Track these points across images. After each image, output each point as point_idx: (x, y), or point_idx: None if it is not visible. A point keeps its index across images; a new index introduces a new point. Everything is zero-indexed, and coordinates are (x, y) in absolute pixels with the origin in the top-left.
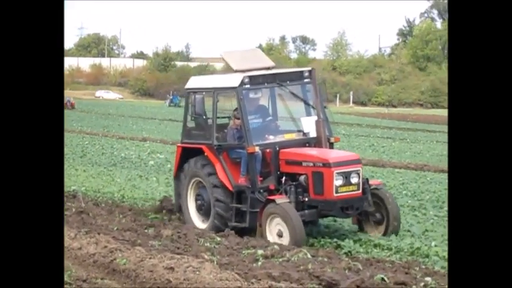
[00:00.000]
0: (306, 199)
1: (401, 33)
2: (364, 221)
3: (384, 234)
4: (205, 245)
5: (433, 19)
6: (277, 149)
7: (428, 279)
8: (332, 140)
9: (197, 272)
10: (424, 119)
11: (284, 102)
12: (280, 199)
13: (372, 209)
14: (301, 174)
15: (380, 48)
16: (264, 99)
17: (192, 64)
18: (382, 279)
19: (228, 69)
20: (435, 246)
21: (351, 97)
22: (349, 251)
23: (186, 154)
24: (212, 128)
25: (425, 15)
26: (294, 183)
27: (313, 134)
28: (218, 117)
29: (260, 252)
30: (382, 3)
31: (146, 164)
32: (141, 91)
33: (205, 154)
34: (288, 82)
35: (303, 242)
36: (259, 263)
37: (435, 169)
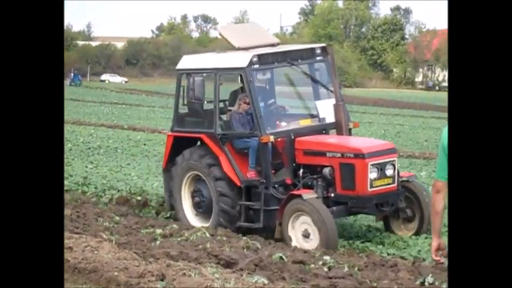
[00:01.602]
0: (332, 195)
1: (303, 12)
2: (392, 218)
3: (416, 234)
4: (104, 224)
5: None
6: (293, 137)
7: (327, 257)
8: (351, 125)
9: (95, 252)
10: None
11: (291, 83)
12: (307, 194)
13: (403, 205)
14: (325, 166)
15: (282, 27)
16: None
17: (94, 43)
18: (281, 258)
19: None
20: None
21: None
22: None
23: (179, 144)
24: (214, 115)
25: None
26: (315, 176)
27: (329, 119)
28: (197, 102)
29: (159, 231)
30: None
31: None
32: None
33: (206, 144)
34: (299, 61)
35: (336, 245)
36: (158, 242)
37: None
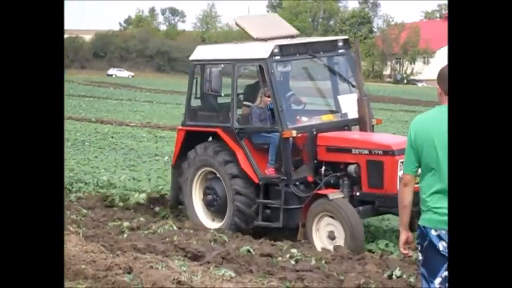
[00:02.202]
0: (358, 193)
1: (271, 5)
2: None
3: None
4: (72, 217)
5: None
6: (315, 133)
7: (294, 250)
8: (374, 122)
9: None
10: None
11: (310, 77)
12: (334, 194)
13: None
14: (350, 164)
15: None
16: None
17: None
18: (248, 251)
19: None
20: None
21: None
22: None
23: (190, 139)
24: (231, 108)
25: None
26: (338, 174)
27: (352, 114)
28: (214, 95)
29: (126, 224)
30: None
31: None
32: None
33: (221, 139)
34: (321, 53)
35: (362, 248)
36: (125, 235)
37: None
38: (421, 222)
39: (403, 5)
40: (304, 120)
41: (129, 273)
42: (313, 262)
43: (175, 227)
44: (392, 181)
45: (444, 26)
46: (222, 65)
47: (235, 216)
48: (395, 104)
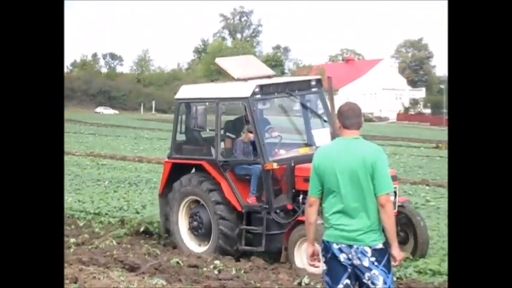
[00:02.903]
0: None
1: (197, 51)
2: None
3: (412, 255)
4: None
5: (224, 38)
6: (293, 164)
7: (217, 262)
8: None
9: None
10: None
11: (285, 113)
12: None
13: (398, 229)
14: None
15: (178, 64)
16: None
17: None
18: (177, 262)
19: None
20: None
21: (153, 105)
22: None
23: (176, 171)
24: (216, 142)
25: (218, 34)
26: None
27: None
28: (199, 130)
29: (72, 240)
30: (178, 25)
31: None
32: None
33: (205, 170)
34: (296, 92)
35: None
36: (71, 250)
37: None
38: (324, 238)
39: (310, 49)
40: (283, 153)
41: (75, 282)
42: (234, 272)
43: (114, 242)
44: None
45: (346, 67)
46: (207, 103)
47: (219, 239)
48: None
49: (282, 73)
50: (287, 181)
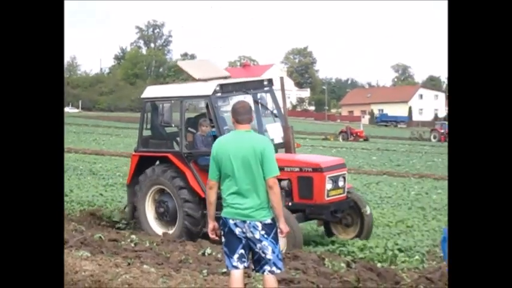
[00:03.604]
0: (290, 203)
1: (117, 58)
2: (333, 224)
3: (357, 237)
4: None
5: (139, 47)
6: None
7: (133, 236)
8: (295, 146)
9: None
10: (134, 119)
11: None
12: None
13: (345, 212)
14: (282, 180)
15: (101, 69)
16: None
17: None
18: (100, 237)
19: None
20: None
21: (80, 104)
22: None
23: (143, 163)
24: (180, 136)
25: (134, 44)
26: None
27: (277, 140)
28: (166, 126)
29: None
30: (102, 34)
31: None
32: None
33: (170, 162)
34: (251, 90)
35: (301, 245)
36: None
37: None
38: (223, 215)
39: (213, 56)
40: None
41: None
42: (147, 244)
43: None
44: (321, 192)
45: (243, 71)
46: (172, 101)
47: (185, 220)
48: None
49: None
50: None
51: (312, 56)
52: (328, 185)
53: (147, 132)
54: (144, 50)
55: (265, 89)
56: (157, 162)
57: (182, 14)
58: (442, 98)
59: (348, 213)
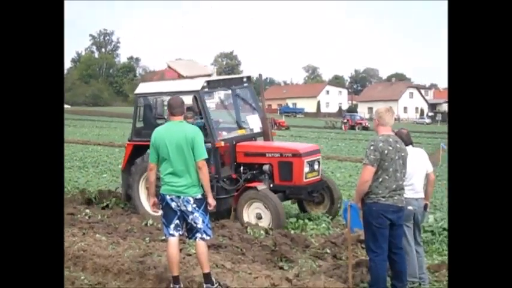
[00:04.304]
0: (272, 185)
1: (73, 61)
2: (306, 201)
3: (327, 212)
4: None
5: (92, 51)
6: (234, 143)
7: (87, 210)
8: (272, 134)
9: None
10: (88, 112)
11: (223, 103)
12: (260, 186)
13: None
14: (264, 164)
15: None
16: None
17: None
18: None
19: None
20: None
21: None
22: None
23: (136, 151)
24: None
25: (88, 49)
26: (254, 172)
27: (256, 129)
28: (158, 118)
29: None
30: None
31: None
32: None
33: None
34: (233, 86)
35: (284, 223)
36: None
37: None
38: (161, 191)
39: (155, 58)
40: (225, 135)
41: None
42: (99, 217)
43: None
44: (300, 175)
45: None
46: (164, 96)
47: None
48: None
49: (134, 76)
50: (230, 156)
51: (237, 59)
52: (306, 169)
53: (140, 125)
54: (96, 54)
55: (245, 85)
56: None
57: (128, 22)
58: (345, 93)
59: (320, 193)
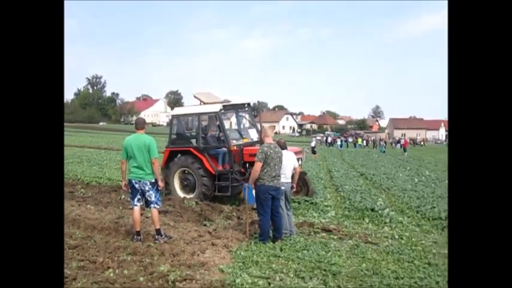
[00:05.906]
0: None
1: (75, 94)
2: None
3: (305, 195)
4: None
5: (88, 89)
6: (242, 147)
7: (82, 190)
8: None
9: None
10: (84, 127)
11: (229, 121)
12: None
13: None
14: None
15: (66, 100)
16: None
17: None
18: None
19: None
20: None
21: None
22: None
23: (172, 154)
24: (198, 137)
25: (85, 87)
26: None
27: (255, 139)
28: (189, 131)
29: None
30: (68, 81)
31: None
32: None
33: (192, 153)
34: (239, 110)
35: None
36: None
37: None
38: (129, 177)
39: (131, 94)
40: (235, 142)
41: None
42: (90, 194)
43: None
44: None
45: (144, 103)
46: (193, 116)
47: (202, 188)
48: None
49: (115, 105)
50: (239, 156)
51: (181, 95)
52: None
53: (174, 136)
54: (90, 90)
55: (246, 109)
56: (179, 155)
57: (112, 67)
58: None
59: (298, 183)
